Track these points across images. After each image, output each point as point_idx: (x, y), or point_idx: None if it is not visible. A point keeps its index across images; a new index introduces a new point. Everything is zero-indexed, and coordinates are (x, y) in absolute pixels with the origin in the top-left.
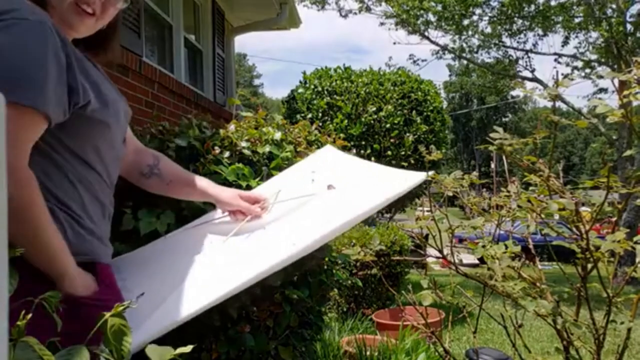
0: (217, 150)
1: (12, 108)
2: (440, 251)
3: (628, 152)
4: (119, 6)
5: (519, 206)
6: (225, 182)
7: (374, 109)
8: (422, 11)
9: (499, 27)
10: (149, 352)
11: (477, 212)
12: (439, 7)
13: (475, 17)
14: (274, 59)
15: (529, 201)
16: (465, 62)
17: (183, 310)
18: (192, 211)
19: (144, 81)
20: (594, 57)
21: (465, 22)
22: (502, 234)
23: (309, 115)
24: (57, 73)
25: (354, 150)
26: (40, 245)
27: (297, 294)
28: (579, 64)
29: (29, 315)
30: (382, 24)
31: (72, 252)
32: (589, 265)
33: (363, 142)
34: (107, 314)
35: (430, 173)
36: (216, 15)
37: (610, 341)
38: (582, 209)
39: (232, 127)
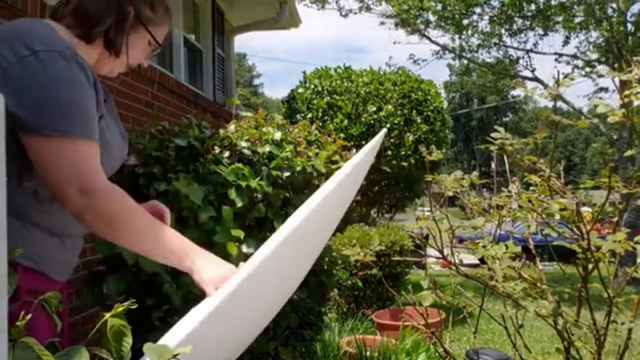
0: (217, 150)
1: (79, 140)
2: (441, 251)
3: (629, 152)
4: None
5: (519, 206)
6: (225, 182)
7: (374, 108)
8: (421, 11)
9: (499, 27)
10: (147, 351)
11: (477, 212)
12: (439, 7)
13: (475, 17)
14: (274, 59)
15: (529, 201)
16: (465, 61)
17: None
18: (191, 212)
19: (144, 81)
20: (594, 56)
21: (465, 21)
22: (502, 234)
23: (309, 115)
24: (93, 105)
25: (354, 150)
26: (152, 246)
27: (297, 294)
28: (580, 63)
29: (29, 316)
30: (382, 23)
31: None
32: (590, 266)
33: (363, 142)
34: (107, 315)
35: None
36: (216, 14)
37: (611, 341)
38: (583, 209)
39: (232, 127)
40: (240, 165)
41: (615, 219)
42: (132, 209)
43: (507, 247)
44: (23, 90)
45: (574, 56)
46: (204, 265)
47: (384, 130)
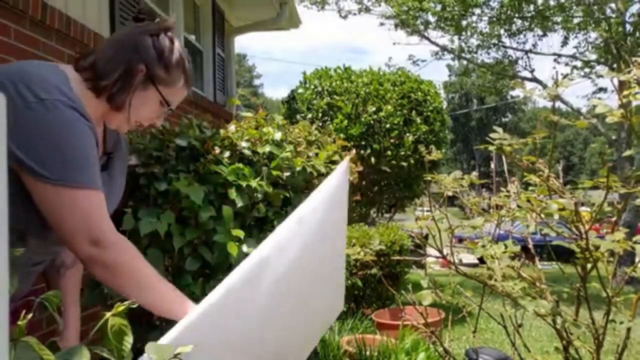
0: (217, 150)
1: (86, 190)
2: (440, 251)
3: (627, 152)
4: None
5: (518, 206)
6: (226, 182)
7: (374, 109)
8: (421, 12)
9: (499, 28)
10: (148, 350)
11: (476, 212)
12: (438, 8)
13: (474, 18)
14: (274, 59)
15: (528, 201)
16: (464, 62)
17: None
18: (192, 212)
19: None
20: (593, 57)
21: (464, 22)
22: (501, 233)
23: (309, 116)
24: (96, 154)
25: (354, 150)
26: (158, 299)
27: None
28: (578, 63)
29: (30, 315)
30: (381, 24)
31: None
32: (589, 265)
33: (363, 142)
34: (108, 314)
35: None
36: (216, 15)
37: (610, 341)
38: (582, 209)
39: (232, 127)
40: (240, 165)
41: (613, 219)
42: (139, 263)
43: (506, 247)
44: (29, 137)
45: (573, 57)
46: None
47: (345, 162)
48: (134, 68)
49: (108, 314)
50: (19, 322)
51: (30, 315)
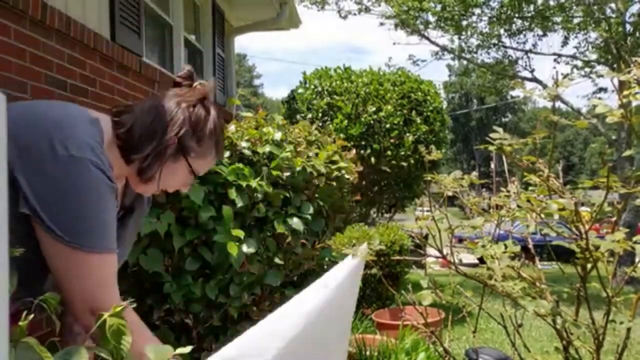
0: None
1: (96, 255)
2: (440, 251)
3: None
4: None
5: (518, 206)
6: (226, 182)
7: (374, 109)
8: (421, 12)
9: (499, 28)
10: (148, 352)
11: (476, 212)
12: (439, 8)
13: (474, 18)
14: (274, 59)
15: (528, 201)
16: (464, 62)
17: None
18: (192, 212)
19: (144, 81)
20: (593, 57)
21: (464, 22)
22: (501, 233)
23: (309, 116)
24: (114, 216)
25: (354, 150)
26: None
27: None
28: (579, 63)
29: (31, 316)
30: (381, 24)
31: None
32: (589, 265)
33: (363, 142)
34: (106, 314)
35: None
36: (216, 15)
37: (610, 341)
38: (582, 209)
39: (232, 127)
40: (240, 165)
41: (613, 219)
42: (136, 330)
43: (506, 247)
44: (48, 189)
45: (573, 57)
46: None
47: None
48: (167, 141)
49: (106, 314)
50: (20, 323)
51: (31, 317)
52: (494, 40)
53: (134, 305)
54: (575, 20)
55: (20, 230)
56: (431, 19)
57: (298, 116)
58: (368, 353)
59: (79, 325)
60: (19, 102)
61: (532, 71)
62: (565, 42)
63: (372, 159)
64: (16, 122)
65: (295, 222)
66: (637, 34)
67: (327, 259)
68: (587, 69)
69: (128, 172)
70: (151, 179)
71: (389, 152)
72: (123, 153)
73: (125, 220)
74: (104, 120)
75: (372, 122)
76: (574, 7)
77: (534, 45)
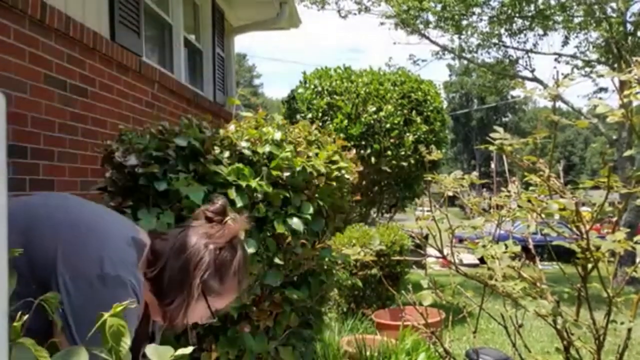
0: (217, 150)
1: None
2: (440, 251)
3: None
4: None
5: (519, 206)
6: (225, 182)
7: (374, 109)
8: (421, 11)
9: (499, 27)
10: (148, 352)
11: (477, 212)
12: (439, 7)
13: (474, 17)
14: (274, 59)
15: (529, 201)
16: (465, 62)
17: None
18: (192, 212)
19: (144, 81)
20: (594, 56)
21: (465, 22)
22: (502, 233)
23: (309, 115)
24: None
25: (354, 150)
26: None
27: (297, 294)
28: (579, 63)
29: (26, 316)
30: (382, 24)
31: None
32: (589, 265)
33: (363, 142)
34: (106, 315)
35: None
36: (216, 15)
37: (611, 341)
38: (583, 209)
39: (232, 127)
40: (240, 165)
41: (614, 219)
42: None
43: (506, 247)
44: (85, 303)
45: (574, 56)
46: None
47: None
48: (193, 288)
49: (106, 315)
50: (15, 324)
51: (26, 317)
52: (495, 40)
53: (134, 305)
54: (576, 20)
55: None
56: (431, 18)
57: (298, 116)
58: (368, 353)
59: None
60: (67, 199)
61: (532, 71)
62: (566, 42)
63: (372, 159)
64: (68, 224)
65: (295, 222)
66: (638, 33)
67: (327, 259)
68: (588, 69)
69: (150, 301)
70: (174, 321)
71: (389, 152)
72: (151, 296)
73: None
74: (145, 237)
75: (372, 122)
76: (575, 7)
77: (535, 45)
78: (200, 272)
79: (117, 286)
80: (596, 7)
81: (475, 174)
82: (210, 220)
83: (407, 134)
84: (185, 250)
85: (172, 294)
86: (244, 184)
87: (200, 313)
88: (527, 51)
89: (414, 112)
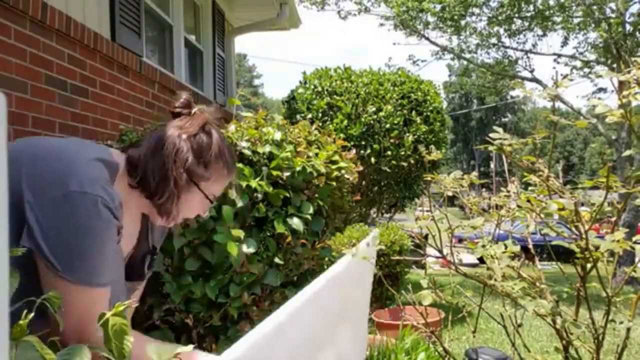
0: None
1: (89, 290)
2: (440, 251)
3: (627, 152)
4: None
5: (518, 206)
6: None
7: (374, 109)
8: (421, 12)
9: (498, 27)
10: (148, 352)
11: (476, 212)
12: (438, 8)
13: (473, 17)
14: (274, 59)
15: (528, 201)
16: (464, 62)
17: None
18: None
19: (145, 81)
20: (593, 57)
21: (463, 22)
22: (501, 233)
23: (309, 116)
24: (113, 250)
25: (354, 150)
26: None
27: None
28: (578, 63)
29: (31, 315)
30: (381, 25)
31: None
32: (589, 265)
33: (363, 142)
34: (108, 313)
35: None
36: (216, 15)
37: (610, 341)
38: (582, 209)
39: (232, 127)
40: (240, 165)
41: (613, 219)
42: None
43: (506, 247)
44: (54, 221)
45: (573, 57)
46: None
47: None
48: (178, 178)
49: (108, 314)
50: (20, 322)
51: (31, 315)
52: (494, 40)
53: (136, 305)
54: (575, 21)
55: (22, 263)
56: (430, 19)
57: (298, 116)
58: (368, 353)
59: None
60: (34, 137)
61: (532, 71)
62: (565, 42)
63: (372, 159)
64: (29, 155)
65: (295, 222)
66: (637, 34)
67: (327, 259)
68: (587, 69)
69: (148, 209)
70: (170, 214)
71: (389, 152)
72: (144, 195)
73: (149, 261)
74: (122, 159)
75: (372, 122)
76: (574, 7)
77: (534, 45)
78: (180, 161)
79: (85, 203)
80: (595, 7)
81: (474, 174)
82: (178, 115)
83: (407, 134)
84: (161, 146)
85: (160, 189)
86: (244, 184)
87: (198, 203)
88: (526, 52)
89: (413, 112)
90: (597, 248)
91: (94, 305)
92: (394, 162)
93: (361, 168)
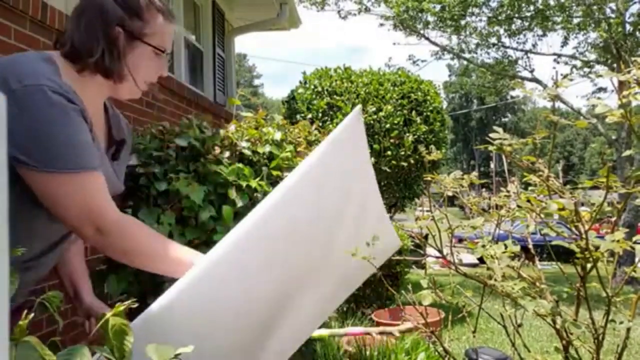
0: (218, 150)
1: (82, 174)
2: (440, 251)
3: (627, 152)
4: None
5: (518, 206)
6: (226, 182)
7: (374, 109)
8: (420, 12)
9: (498, 27)
10: (149, 352)
11: (476, 212)
12: (438, 8)
13: (473, 17)
14: (274, 59)
15: (528, 201)
16: (464, 62)
17: None
18: (192, 212)
19: None
20: (593, 57)
21: (463, 22)
22: (501, 233)
23: (309, 116)
24: (88, 136)
25: None
26: (166, 266)
27: None
28: (578, 63)
29: (32, 315)
30: (381, 25)
31: None
32: (589, 265)
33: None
34: (109, 313)
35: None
36: (216, 15)
37: (610, 341)
38: (582, 209)
39: (232, 127)
40: (240, 165)
41: (613, 219)
42: (145, 239)
43: (506, 247)
44: (12, 125)
45: (573, 57)
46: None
47: (358, 108)
48: (111, 34)
49: (108, 314)
50: (20, 322)
51: (31, 315)
52: (494, 40)
53: (135, 305)
54: (575, 21)
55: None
56: (430, 19)
57: (298, 116)
58: (368, 353)
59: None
60: None
61: (532, 71)
62: (565, 42)
63: (372, 159)
64: None
65: None
66: (637, 34)
67: None
68: (587, 69)
69: (107, 89)
70: (122, 75)
71: (389, 152)
72: (82, 67)
73: (119, 154)
74: (60, 60)
75: (372, 122)
76: (574, 7)
77: (534, 45)
78: (109, 17)
79: (31, 95)
80: (595, 7)
81: (474, 174)
82: None
83: (407, 134)
84: (83, 10)
85: (93, 48)
86: (244, 184)
87: (150, 61)
88: (526, 52)
89: (413, 112)
90: (597, 248)
91: (85, 188)
92: (394, 162)
93: None
